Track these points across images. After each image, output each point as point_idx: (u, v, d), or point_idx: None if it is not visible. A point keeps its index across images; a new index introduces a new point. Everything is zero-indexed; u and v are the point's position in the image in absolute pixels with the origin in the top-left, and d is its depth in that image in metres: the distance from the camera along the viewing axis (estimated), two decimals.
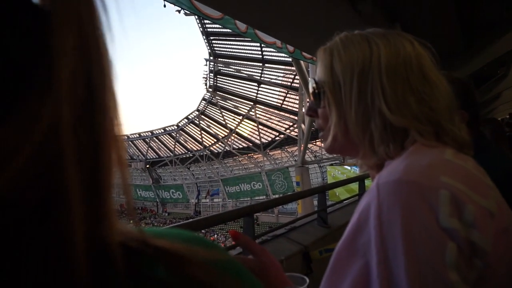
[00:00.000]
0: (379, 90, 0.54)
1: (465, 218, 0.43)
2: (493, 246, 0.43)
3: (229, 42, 18.74)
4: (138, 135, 29.63)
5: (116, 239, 0.22)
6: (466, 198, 0.44)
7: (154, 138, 29.12)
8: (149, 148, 30.58)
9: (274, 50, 13.76)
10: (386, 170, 0.50)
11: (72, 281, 0.18)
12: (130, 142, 30.71)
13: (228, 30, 10.04)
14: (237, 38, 17.60)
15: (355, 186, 4.17)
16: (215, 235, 23.79)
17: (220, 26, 14.64)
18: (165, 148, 29.91)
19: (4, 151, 0.16)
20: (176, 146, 28.75)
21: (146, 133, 29.17)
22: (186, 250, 0.25)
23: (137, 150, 31.51)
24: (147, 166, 31.62)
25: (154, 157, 31.45)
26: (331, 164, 19.77)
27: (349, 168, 16.81)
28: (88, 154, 0.20)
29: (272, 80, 19.84)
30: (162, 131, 28.04)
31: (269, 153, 24.63)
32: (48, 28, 0.18)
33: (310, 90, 0.66)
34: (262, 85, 20.35)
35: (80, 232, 0.19)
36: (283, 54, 14.08)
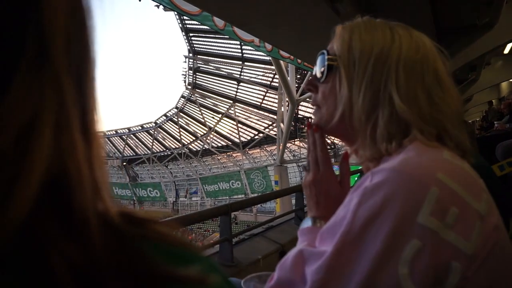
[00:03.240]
0: (394, 79, 0.54)
1: (446, 219, 0.43)
2: (478, 248, 0.43)
3: (209, 39, 18.58)
4: (114, 132, 28.94)
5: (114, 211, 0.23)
6: (455, 199, 0.44)
7: (131, 135, 28.52)
8: (126, 146, 29.94)
9: (253, 49, 13.76)
10: (382, 164, 0.50)
11: (90, 251, 0.19)
12: (106, 139, 29.99)
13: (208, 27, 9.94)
14: (216, 36, 17.47)
15: None
16: (193, 234, 23.56)
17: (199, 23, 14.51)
18: (142, 145, 29.37)
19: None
20: (154, 143, 28.29)
21: (123, 130, 28.53)
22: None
23: (113, 147, 30.79)
24: (124, 163, 30.94)
25: (131, 154, 30.82)
26: None
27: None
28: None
29: (252, 79, 19.81)
30: (140, 128, 27.52)
31: (248, 152, 24.63)
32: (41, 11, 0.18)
33: (318, 63, 0.63)
34: (241, 84, 20.30)
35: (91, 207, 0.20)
36: (262, 53, 14.09)
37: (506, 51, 7.85)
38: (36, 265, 0.17)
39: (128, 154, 31.00)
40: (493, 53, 6.47)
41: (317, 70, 0.64)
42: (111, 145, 30.60)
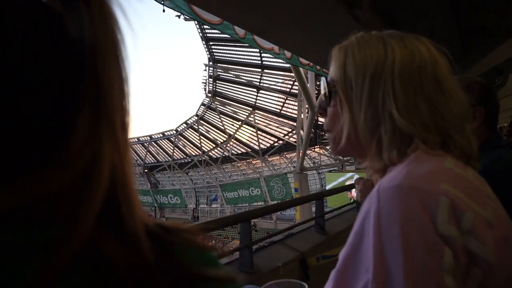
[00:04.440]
0: (391, 94, 0.53)
1: (463, 225, 0.42)
2: (493, 255, 0.43)
3: (229, 48, 18.79)
4: (136, 140, 29.55)
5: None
6: (465, 206, 0.43)
7: (153, 142, 29.05)
8: (148, 153, 30.50)
9: (273, 56, 13.81)
10: (387, 176, 0.50)
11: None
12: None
13: (228, 36, 10.06)
14: (236, 44, 17.65)
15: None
16: (213, 241, 23.62)
17: (219, 32, 14.72)
18: (163, 152, 29.83)
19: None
20: (174, 151, 28.69)
21: (145, 138, 29.11)
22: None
23: (135, 155, 31.42)
24: (146, 170, 31.50)
25: (153, 161, 31.35)
26: (330, 171, 19.74)
27: (348, 175, 16.78)
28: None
29: (271, 86, 19.86)
30: (161, 135, 28.00)
31: (268, 159, 24.59)
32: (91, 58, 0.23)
33: (322, 89, 0.65)
34: (261, 91, 20.36)
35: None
36: (282, 61, 14.12)
37: None
38: (103, 270, 0.21)
39: (150, 161, 31.54)
40: None
41: (322, 95, 0.66)
42: (133, 152, 31.21)
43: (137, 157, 31.56)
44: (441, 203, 0.43)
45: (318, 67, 7.25)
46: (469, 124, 0.56)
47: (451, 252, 0.41)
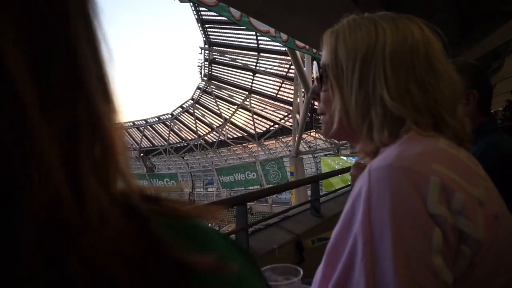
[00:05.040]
0: (382, 77, 0.53)
1: (453, 205, 0.43)
2: (483, 233, 0.44)
3: (225, 30, 18.51)
4: (132, 124, 29.38)
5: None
6: (456, 185, 0.44)
7: (148, 126, 28.90)
8: (143, 137, 30.39)
9: (269, 39, 13.64)
10: (379, 156, 0.50)
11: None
12: (124, 131, 30.38)
13: (224, 18, 9.90)
14: (232, 27, 17.39)
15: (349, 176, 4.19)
16: (209, 224, 23.84)
17: (215, 14, 14.46)
18: (159, 137, 29.74)
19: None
20: (170, 135, 28.60)
21: (140, 122, 28.93)
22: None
23: (131, 139, 31.28)
24: (141, 155, 31.46)
25: (148, 146, 31.28)
26: (326, 155, 19.82)
27: (344, 158, 16.87)
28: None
29: (268, 70, 19.69)
30: (157, 119, 27.84)
31: (264, 143, 24.62)
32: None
33: (314, 73, 0.66)
34: (257, 75, 20.20)
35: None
36: (278, 44, 13.97)
37: None
38: (54, 264, 0.17)
39: (146, 146, 31.47)
40: None
41: (315, 79, 0.66)
42: (128, 136, 31.08)
43: (133, 141, 31.45)
44: (432, 184, 0.43)
45: (314, 50, 7.20)
46: (462, 106, 0.56)
47: (440, 232, 0.42)
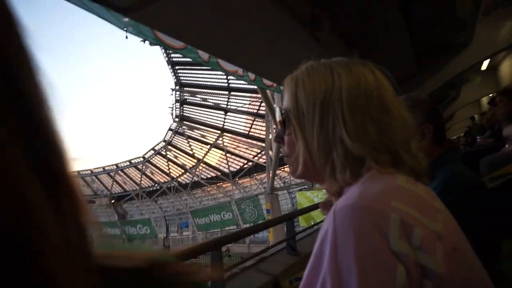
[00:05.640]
0: (340, 119, 0.56)
1: (413, 241, 0.44)
2: (443, 266, 0.45)
3: (195, 71, 18.85)
4: (102, 169, 28.54)
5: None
6: (415, 221, 0.45)
7: (119, 171, 28.15)
8: (114, 182, 29.46)
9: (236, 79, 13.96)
10: (343, 197, 0.51)
11: None
12: (94, 177, 29.49)
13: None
14: (202, 68, 17.76)
15: None
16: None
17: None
18: (131, 181, 28.95)
19: None
20: (142, 178, 27.91)
21: (111, 167, 28.16)
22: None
23: (101, 185, 30.23)
24: (112, 201, 30.29)
25: (120, 191, 30.28)
26: (300, 190, 19.87)
27: (318, 193, 16.93)
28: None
29: (239, 108, 20.01)
30: (128, 163, 27.22)
31: (238, 181, 24.47)
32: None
33: (277, 117, 0.68)
34: (228, 113, 20.46)
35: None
36: (246, 82, 14.30)
37: (484, 67, 8.16)
38: None
39: (117, 191, 30.46)
40: (471, 70, 6.71)
41: (278, 124, 0.69)
42: (98, 182, 30.06)
43: (103, 188, 30.37)
44: (393, 221, 0.44)
45: (282, 87, 7.40)
46: (415, 142, 0.59)
47: (403, 268, 0.42)
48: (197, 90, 19.89)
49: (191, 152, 23.95)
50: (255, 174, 23.53)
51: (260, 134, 20.05)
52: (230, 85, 18.73)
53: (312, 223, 4.33)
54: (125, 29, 4.77)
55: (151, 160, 26.10)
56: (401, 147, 0.56)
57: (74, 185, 0.21)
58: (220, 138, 22.01)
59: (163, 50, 17.07)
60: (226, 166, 23.64)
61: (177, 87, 20.01)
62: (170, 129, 23.27)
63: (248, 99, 19.27)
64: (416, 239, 0.44)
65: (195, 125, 22.15)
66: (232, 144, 22.76)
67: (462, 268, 0.48)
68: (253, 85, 8.82)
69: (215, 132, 22.03)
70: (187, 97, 20.59)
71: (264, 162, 18.26)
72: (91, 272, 0.21)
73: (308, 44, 2.55)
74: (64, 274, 0.18)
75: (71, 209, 0.20)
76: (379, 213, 0.45)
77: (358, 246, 0.43)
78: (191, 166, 25.06)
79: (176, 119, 21.88)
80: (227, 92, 19.17)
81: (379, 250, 0.43)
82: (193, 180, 25.72)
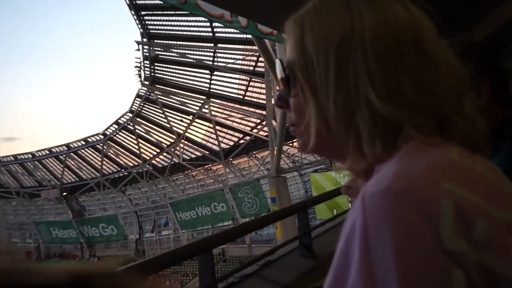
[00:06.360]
0: (364, 72, 0.53)
1: (476, 236, 0.42)
2: None
3: (168, 17, 18.60)
4: (48, 152, 28.66)
5: None
6: (476, 209, 0.43)
7: (72, 154, 28.28)
8: (66, 169, 29.67)
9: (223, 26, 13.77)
10: (374, 178, 0.50)
11: None
12: (37, 162, 29.65)
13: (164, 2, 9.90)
14: (177, 12, 17.50)
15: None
16: (167, 282, 23.39)
17: None
18: (88, 166, 29.18)
19: None
20: (104, 162, 28.10)
21: (60, 148, 28.27)
22: None
23: (48, 174, 30.44)
24: (64, 194, 30.60)
25: (74, 180, 30.56)
26: (315, 170, 20.05)
27: (338, 174, 17.10)
28: None
29: (229, 65, 19.88)
30: (83, 143, 27.35)
31: (232, 162, 24.65)
32: None
33: (278, 74, 0.66)
34: (216, 72, 20.36)
35: None
36: (237, 30, 14.12)
37: None
38: None
39: (69, 181, 30.73)
40: None
41: (280, 82, 0.66)
42: (44, 170, 30.26)
43: (51, 177, 30.58)
44: (445, 209, 0.43)
45: (284, 34, 7.32)
46: (470, 100, 0.57)
47: (462, 273, 0.41)
48: (172, 42, 19.70)
49: (168, 126, 23.99)
50: (254, 152, 23.70)
51: (259, 99, 20.05)
52: (216, 35, 18.52)
53: (335, 213, 4.38)
54: None
55: (115, 138, 26.21)
56: (450, 107, 0.54)
57: None
58: (206, 106, 22.00)
59: None
60: (216, 142, 23.75)
61: (145, 40, 19.77)
62: (138, 96, 23.21)
63: (241, 52, 19.11)
64: (479, 233, 0.42)
65: (172, 90, 22.07)
66: (223, 114, 22.78)
67: None
68: (245, 33, 8.69)
69: (199, 98, 21.99)
70: (159, 53, 20.41)
71: (266, 136, 18.33)
72: None
73: None
74: None
75: None
76: (425, 200, 0.43)
77: (398, 245, 0.42)
78: (168, 144, 25.18)
79: (146, 82, 21.77)
80: (212, 45, 18.98)
81: (428, 250, 0.42)
82: (172, 162, 25.90)
